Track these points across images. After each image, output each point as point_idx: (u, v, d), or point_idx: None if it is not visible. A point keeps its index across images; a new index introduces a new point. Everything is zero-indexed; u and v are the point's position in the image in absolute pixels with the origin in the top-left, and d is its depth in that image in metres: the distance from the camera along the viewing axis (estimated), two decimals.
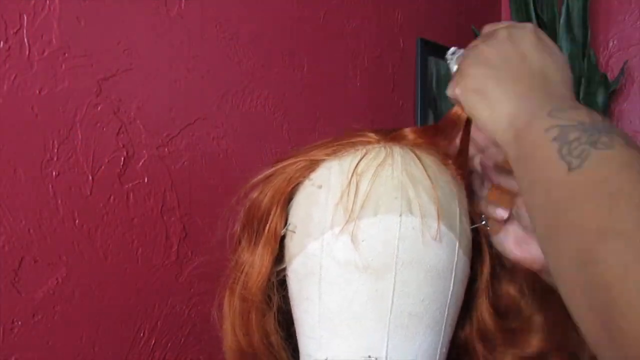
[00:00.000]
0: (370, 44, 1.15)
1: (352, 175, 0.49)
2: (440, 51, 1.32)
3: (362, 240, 0.47)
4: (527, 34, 0.47)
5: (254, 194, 0.54)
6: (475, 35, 1.43)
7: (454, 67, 0.52)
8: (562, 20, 1.33)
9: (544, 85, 0.44)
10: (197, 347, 0.85)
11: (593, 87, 1.33)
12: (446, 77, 1.36)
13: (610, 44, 1.48)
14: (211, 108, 0.87)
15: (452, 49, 0.53)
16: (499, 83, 0.45)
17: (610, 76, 1.44)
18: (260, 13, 0.93)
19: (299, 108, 1.00)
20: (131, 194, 0.77)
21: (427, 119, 1.29)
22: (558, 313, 0.52)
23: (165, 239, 0.81)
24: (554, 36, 1.35)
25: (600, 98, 1.33)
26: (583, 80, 1.33)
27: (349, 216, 0.47)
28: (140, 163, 0.78)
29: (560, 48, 1.40)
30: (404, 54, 1.24)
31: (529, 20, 1.36)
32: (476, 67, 0.47)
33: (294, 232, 0.51)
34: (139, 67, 0.77)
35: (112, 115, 0.75)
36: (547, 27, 1.35)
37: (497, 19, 1.61)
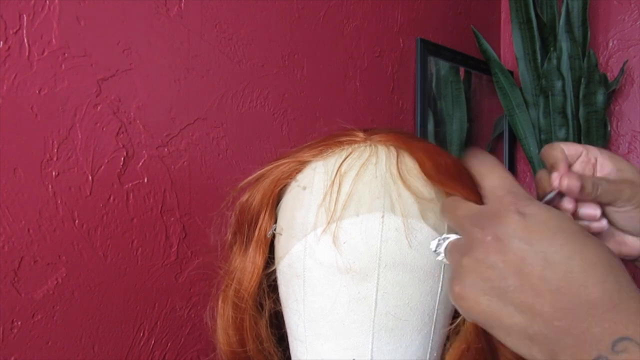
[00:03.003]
0: (370, 44, 1.15)
1: (335, 176, 0.48)
2: (440, 51, 1.32)
3: (344, 242, 0.46)
4: (513, 226, 0.35)
5: (244, 198, 0.54)
6: (475, 36, 1.43)
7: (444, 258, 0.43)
8: (562, 20, 1.33)
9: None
10: (197, 347, 0.85)
11: (593, 87, 1.33)
12: (445, 78, 1.36)
13: (610, 44, 1.48)
14: (211, 108, 0.87)
15: (434, 242, 0.44)
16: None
17: (610, 76, 1.44)
18: (260, 13, 0.93)
19: (299, 108, 1.00)
20: (131, 194, 0.77)
21: (427, 119, 1.28)
22: None
23: (165, 239, 0.81)
24: (554, 36, 1.35)
25: (600, 98, 1.33)
26: (583, 81, 1.33)
27: (331, 217, 0.47)
28: (140, 163, 0.78)
29: (560, 48, 1.38)
30: (403, 54, 1.25)
31: (528, 20, 1.35)
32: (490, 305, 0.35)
33: (281, 234, 0.51)
34: (138, 67, 0.77)
35: (112, 115, 0.75)
36: (547, 27, 1.35)
37: (497, 19, 1.61)
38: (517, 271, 0.33)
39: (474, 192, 0.45)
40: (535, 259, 0.33)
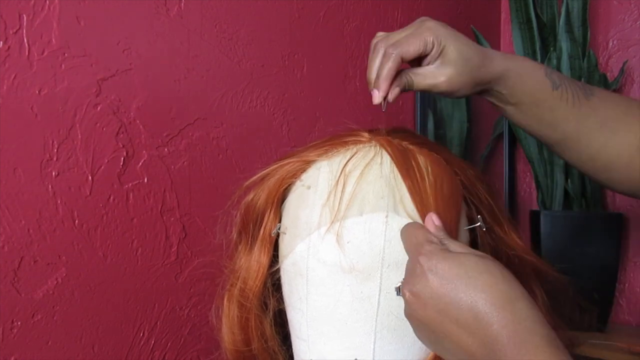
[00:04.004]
0: (370, 44, 1.15)
1: (339, 175, 0.48)
2: None
3: (347, 242, 0.46)
4: (423, 284, 0.41)
5: (249, 197, 0.54)
6: (475, 36, 1.43)
7: None
8: (562, 20, 1.33)
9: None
10: (197, 347, 0.85)
11: None
12: None
13: (610, 44, 1.48)
14: (211, 108, 0.87)
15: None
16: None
17: (610, 76, 1.44)
18: (259, 13, 0.93)
19: (299, 108, 1.00)
20: (131, 194, 0.77)
21: (427, 119, 1.28)
22: (543, 302, 0.52)
23: (165, 239, 0.81)
24: (554, 36, 1.35)
25: None
26: (583, 80, 1.33)
27: (334, 216, 0.47)
28: (140, 163, 0.78)
29: (560, 48, 1.37)
30: None
31: (528, 20, 1.35)
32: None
33: (285, 233, 0.51)
34: (138, 67, 0.77)
35: (111, 115, 0.75)
36: (547, 27, 1.35)
37: (497, 19, 1.61)
38: (437, 324, 0.40)
39: (456, 209, 0.49)
40: (446, 309, 0.39)
